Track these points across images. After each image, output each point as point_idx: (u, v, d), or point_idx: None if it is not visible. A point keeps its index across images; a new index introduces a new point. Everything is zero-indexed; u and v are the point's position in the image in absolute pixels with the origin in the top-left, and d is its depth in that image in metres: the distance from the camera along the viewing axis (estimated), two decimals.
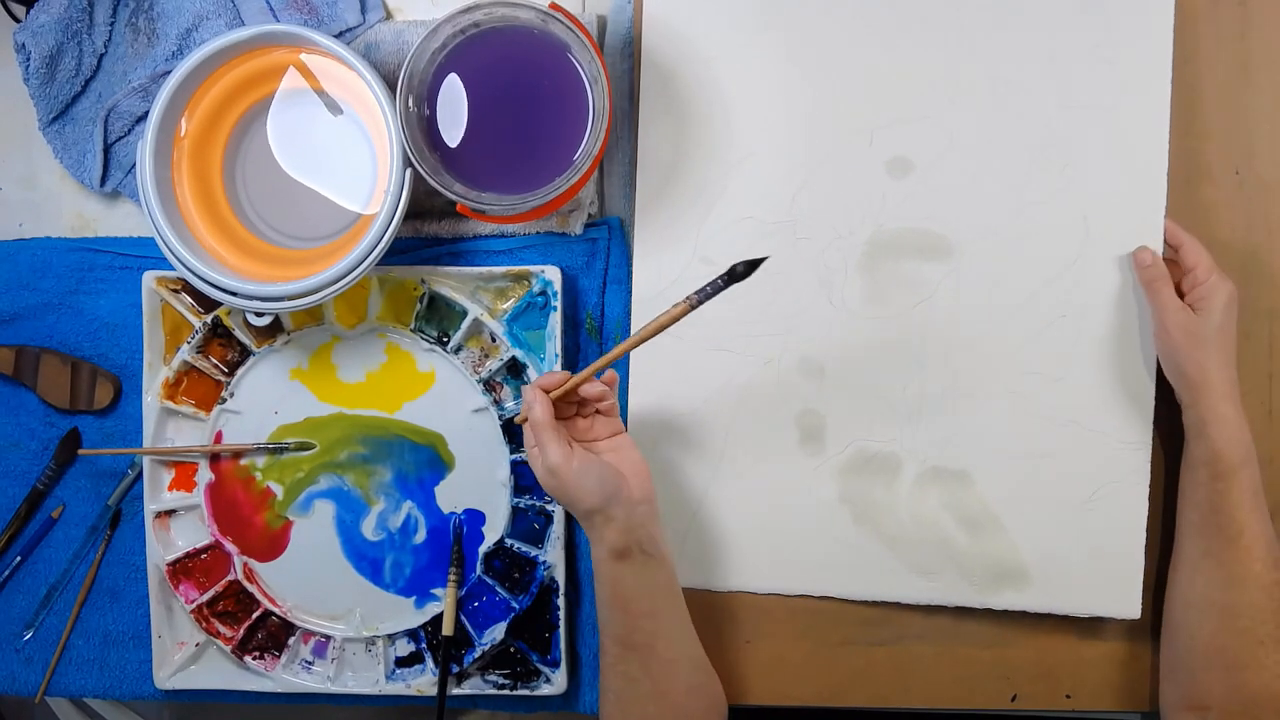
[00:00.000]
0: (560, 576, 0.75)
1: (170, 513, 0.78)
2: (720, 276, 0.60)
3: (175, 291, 0.76)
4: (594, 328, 0.77)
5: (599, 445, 0.67)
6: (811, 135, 0.74)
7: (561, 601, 0.75)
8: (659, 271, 0.75)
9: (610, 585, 0.66)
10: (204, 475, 0.77)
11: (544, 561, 0.75)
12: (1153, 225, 0.72)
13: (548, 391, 0.64)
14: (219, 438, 0.77)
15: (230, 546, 0.77)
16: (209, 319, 0.76)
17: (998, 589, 0.73)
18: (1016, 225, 0.73)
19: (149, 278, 0.76)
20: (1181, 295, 0.69)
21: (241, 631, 0.77)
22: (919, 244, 0.73)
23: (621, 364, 0.76)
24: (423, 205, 0.76)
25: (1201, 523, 0.67)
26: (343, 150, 0.73)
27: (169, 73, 0.70)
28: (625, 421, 0.75)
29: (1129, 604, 0.72)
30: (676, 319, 0.62)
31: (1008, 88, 0.72)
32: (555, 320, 0.74)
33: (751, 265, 0.60)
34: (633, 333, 0.65)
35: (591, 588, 0.76)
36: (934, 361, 0.73)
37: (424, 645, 0.77)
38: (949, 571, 0.73)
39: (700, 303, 0.61)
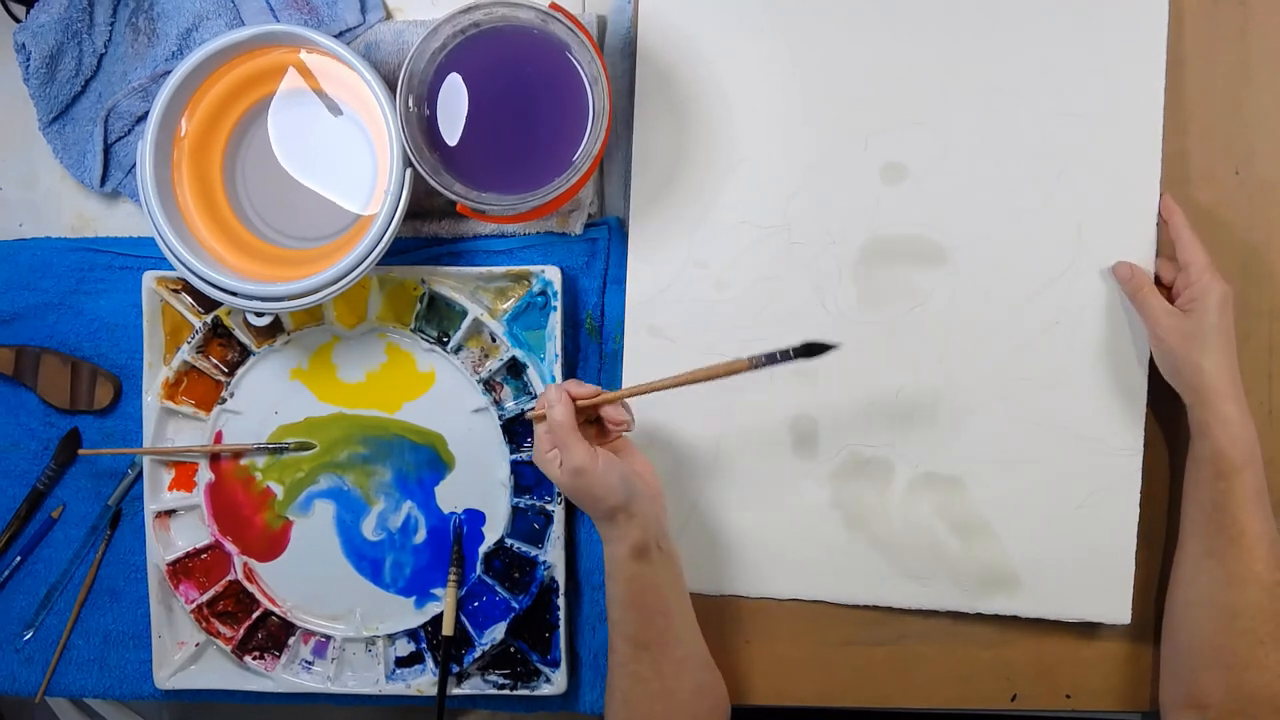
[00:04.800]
0: (560, 576, 0.75)
1: (170, 513, 0.78)
2: (791, 349, 0.62)
3: (175, 291, 0.76)
4: (594, 328, 0.77)
5: (605, 448, 0.67)
6: (807, 140, 0.74)
7: (561, 601, 0.75)
8: (653, 274, 0.75)
9: (627, 584, 0.66)
10: (204, 475, 0.77)
11: (544, 561, 0.75)
12: (1145, 233, 0.71)
13: (574, 399, 0.65)
14: (219, 438, 0.77)
15: (230, 546, 0.77)
16: (209, 319, 0.76)
17: (989, 594, 0.73)
18: (1010, 232, 0.73)
19: (149, 278, 0.76)
20: (1175, 295, 0.70)
21: (241, 631, 0.77)
22: (913, 250, 0.73)
23: (614, 369, 0.76)
24: (423, 205, 0.76)
25: (1204, 522, 0.67)
26: (343, 150, 0.73)
27: (169, 73, 0.70)
28: None
29: (1119, 609, 0.72)
30: (729, 374, 0.63)
31: (1003, 95, 0.72)
32: (555, 320, 0.74)
33: (823, 348, 0.62)
34: (679, 374, 0.65)
35: (590, 588, 0.76)
36: (927, 367, 0.73)
37: (424, 645, 0.77)
38: (940, 576, 0.73)
39: (760, 367, 0.62)
